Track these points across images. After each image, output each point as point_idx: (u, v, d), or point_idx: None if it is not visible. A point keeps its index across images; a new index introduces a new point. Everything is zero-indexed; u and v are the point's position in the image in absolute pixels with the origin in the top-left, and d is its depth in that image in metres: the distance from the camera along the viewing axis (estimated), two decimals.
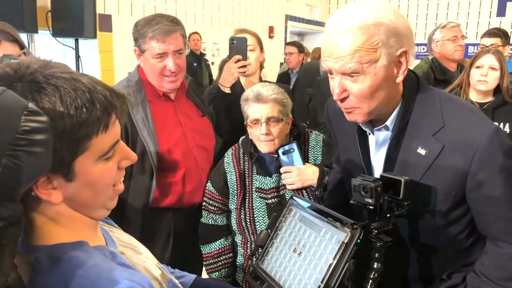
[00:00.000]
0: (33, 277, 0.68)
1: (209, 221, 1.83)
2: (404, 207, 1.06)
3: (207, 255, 1.84)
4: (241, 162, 1.78)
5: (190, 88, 1.96)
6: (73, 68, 2.26)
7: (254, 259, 1.41)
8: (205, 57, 6.20)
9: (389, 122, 1.18)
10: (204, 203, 1.84)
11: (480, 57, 2.42)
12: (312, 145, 1.77)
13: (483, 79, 2.38)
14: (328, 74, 1.15)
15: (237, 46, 2.05)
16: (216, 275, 1.79)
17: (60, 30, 3.80)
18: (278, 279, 1.19)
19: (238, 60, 2.04)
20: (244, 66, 2.05)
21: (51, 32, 3.81)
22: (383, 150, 1.21)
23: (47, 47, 4.10)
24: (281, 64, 6.98)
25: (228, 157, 1.82)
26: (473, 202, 1.13)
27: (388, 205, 1.09)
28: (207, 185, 1.84)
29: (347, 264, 1.04)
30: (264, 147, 1.68)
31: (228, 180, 1.78)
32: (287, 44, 6.05)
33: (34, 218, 0.72)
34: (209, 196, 1.82)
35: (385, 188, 1.05)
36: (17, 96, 0.59)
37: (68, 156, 0.68)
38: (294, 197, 1.31)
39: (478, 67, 2.41)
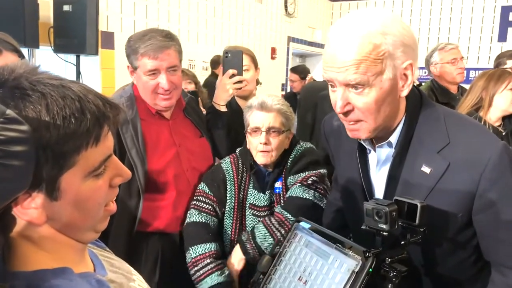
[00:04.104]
0: None
1: (201, 219, 1.66)
2: (420, 233, 0.98)
3: (197, 257, 1.57)
4: (239, 172, 1.70)
5: (189, 107, 1.87)
6: None
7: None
8: None
9: (393, 138, 1.11)
10: (194, 202, 1.69)
11: None
12: (294, 154, 1.68)
13: None
14: (330, 87, 1.08)
15: (232, 60, 1.87)
16: (217, 277, 1.51)
17: (61, 46, 3.78)
18: None
19: (233, 75, 1.85)
20: (240, 82, 1.87)
21: (53, 48, 3.79)
22: (385, 169, 1.14)
23: (48, 63, 4.07)
24: (283, 85, 6.98)
25: (227, 164, 1.72)
26: (480, 224, 1.06)
27: (401, 231, 1.01)
28: (200, 185, 1.72)
29: None
30: (260, 158, 1.62)
31: (228, 190, 1.68)
32: (290, 70, 6.20)
33: (13, 240, 0.64)
34: (203, 195, 1.69)
35: (400, 213, 0.97)
36: None
37: (53, 172, 0.61)
38: (299, 220, 1.23)
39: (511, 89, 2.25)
